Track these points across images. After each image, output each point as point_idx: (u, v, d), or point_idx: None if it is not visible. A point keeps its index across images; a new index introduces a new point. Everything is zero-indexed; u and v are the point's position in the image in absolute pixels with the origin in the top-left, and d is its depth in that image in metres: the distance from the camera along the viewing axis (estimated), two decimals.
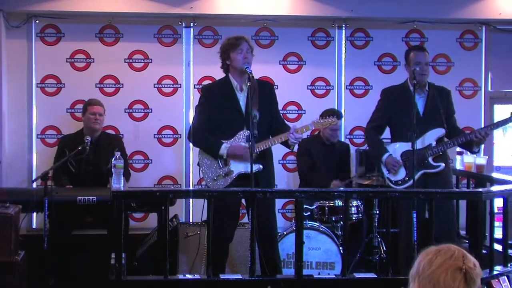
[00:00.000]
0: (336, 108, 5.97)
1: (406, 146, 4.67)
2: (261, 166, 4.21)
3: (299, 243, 3.87)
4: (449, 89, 4.98)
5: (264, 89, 4.39)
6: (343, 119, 6.13)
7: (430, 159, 4.67)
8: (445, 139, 4.75)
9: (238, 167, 4.30)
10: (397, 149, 4.76)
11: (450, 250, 1.81)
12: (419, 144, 4.63)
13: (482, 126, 6.15)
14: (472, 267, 1.78)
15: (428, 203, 4.01)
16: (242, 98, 4.35)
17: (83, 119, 5.35)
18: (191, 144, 5.52)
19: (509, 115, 4.68)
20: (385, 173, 4.81)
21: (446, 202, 4.59)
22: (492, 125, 4.89)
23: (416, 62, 4.67)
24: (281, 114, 4.81)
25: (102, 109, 5.33)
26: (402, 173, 4.74)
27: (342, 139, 6.05)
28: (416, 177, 4.61)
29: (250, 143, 4.03)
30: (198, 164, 4.43)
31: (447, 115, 4.76)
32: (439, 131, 4.71)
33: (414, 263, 1.84)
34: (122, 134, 5.85)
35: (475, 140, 4.66)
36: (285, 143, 4.36)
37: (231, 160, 4.30)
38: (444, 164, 4.68)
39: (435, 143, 4.70)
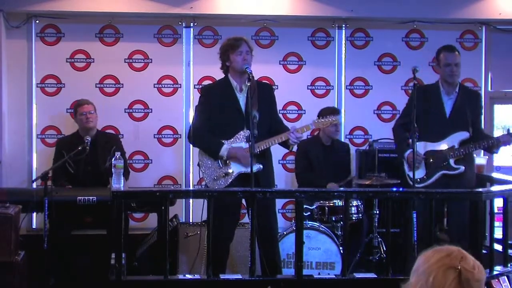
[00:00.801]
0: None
1: (431, 145, 4.72)
2: (261, 166, 4.21)
3: (299, 243, 3.87)
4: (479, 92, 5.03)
5: (263, 90, 4.39)
6: (342, 119, 6.14)
7: (451, 161, 4.68)
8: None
9: (238, 167, 4.30)
10: (421, 148, 4.75)
11: (450, 249, 1.77)
12: (442, 146, 4.69)
13: (482, 126, 6.16)
14: (469, 269, 1.72)
15: (428, 203, 4.01)
16: (242, 98, 4.35)
17: (76, 121, 5.35)
18: (191, 144, 5.51)
19: None
20: (406, 170, 4.81)
21: (462, 204, 4.58)
22: None
23: (446, 63, 4.69)
24: (281, 114, 4.82)
25: (92, 107, 5.31)
26: (421, 172, 4.74)
27: (342, 139, 6.05)
28: (436, 177, 4.69)
29: (250, 143, 4.03)
30: (198, 165, 4.44)
31: (473, 118, 4.75)
32: (463, 134, 4.71)
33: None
34: (122, 134, 5.85)
35: (496, 144, 4.68)
36: (285, 143, 4.36)
37: (231, 160, 4.30)
38: (464, 167, 4.68)
39: (458, 145, 4.70)
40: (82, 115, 5.25)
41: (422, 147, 4.74)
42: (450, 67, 4.67)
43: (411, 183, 4.74)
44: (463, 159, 4.71)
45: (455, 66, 4.69)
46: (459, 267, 1.71)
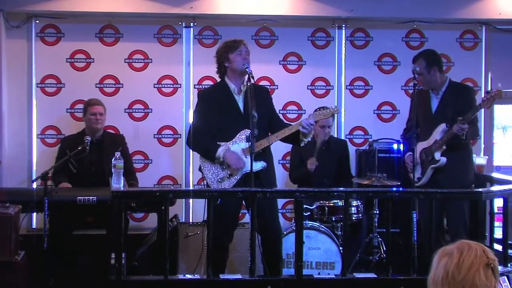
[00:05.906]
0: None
1: (422, 144, 4.83)
2: (265, 164, 4.22)
3: (299, 243, 3.87)
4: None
5: (260, 93, 4.39)
6: (342, 119, 6.14)
7: (436, 154, 4.73)
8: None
9: None
10: (419, 148, 4.86)
11: (471, 248, 1.82)
12: (430, 142, 4.79)
13: (483, 126, 6.17)
14: (494, 258, 1.82)
15: (428, 203, 4.01)
16: (240, 100, 4.35)
17: (84, 119, 5.35)
18: (191, 149, 5.51)
19: None
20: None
21: (459, 203, 4.65)
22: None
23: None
24: (281, 114, 4.82)
25: (102, 108, 5.32)
26: (418, 171, 4.85)
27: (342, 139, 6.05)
28: (428, 173, 4.78)
29: (250, 142, 4.04)
30: (200, 169, 4.42)
31: (460, 113, 4.70)
32: (441, 126, 4.76)
33: (432, 266, 1.84)
34: (122, 134, 5.85)
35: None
36: (294, 139, 4.33)
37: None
38: (445, 158, 4.71)
39: (439, 137, 4.76)
40: (92, 116, 5.25)
41: (419, 147, 4.82)
42: (417, 78, 4.72)
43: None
44: (450, 152, 4.71)
45: (419, 75, 4.77)
46: (490, 262, 1.80)
